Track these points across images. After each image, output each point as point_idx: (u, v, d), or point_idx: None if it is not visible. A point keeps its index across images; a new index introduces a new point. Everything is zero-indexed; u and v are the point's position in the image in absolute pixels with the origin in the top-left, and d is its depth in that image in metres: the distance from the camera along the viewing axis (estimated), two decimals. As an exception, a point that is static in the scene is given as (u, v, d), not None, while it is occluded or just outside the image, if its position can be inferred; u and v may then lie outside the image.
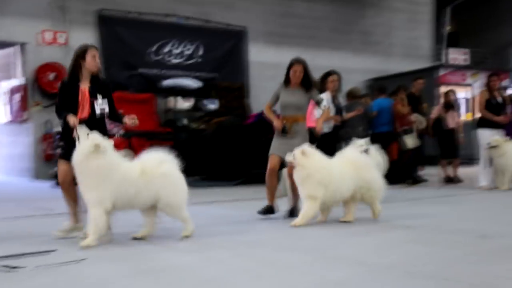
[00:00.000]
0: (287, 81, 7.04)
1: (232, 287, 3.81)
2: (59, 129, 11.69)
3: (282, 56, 16.91)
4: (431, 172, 12.92)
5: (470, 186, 10.91)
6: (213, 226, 6.38)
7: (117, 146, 10.70)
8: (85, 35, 13.61)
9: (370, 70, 18.49)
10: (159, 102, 14.54)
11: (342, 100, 9.86)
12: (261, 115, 14.08)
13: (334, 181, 6.29)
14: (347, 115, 9.25)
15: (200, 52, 15.49)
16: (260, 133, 12.76)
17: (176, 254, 4.92)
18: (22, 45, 12.95)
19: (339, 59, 17.46)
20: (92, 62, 5.66)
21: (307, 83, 7.03)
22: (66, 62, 12.88)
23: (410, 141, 11.19)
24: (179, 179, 5.55)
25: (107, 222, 5.23)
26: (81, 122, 5.44)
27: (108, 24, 14.09)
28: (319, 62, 16.43)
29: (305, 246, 5.21)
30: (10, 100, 13.14)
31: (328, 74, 8.79)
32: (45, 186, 11.39)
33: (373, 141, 9.41)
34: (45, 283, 3.93)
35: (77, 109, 5.56)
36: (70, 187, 5.69)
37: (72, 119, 5.42)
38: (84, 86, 5.65)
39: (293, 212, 6.91)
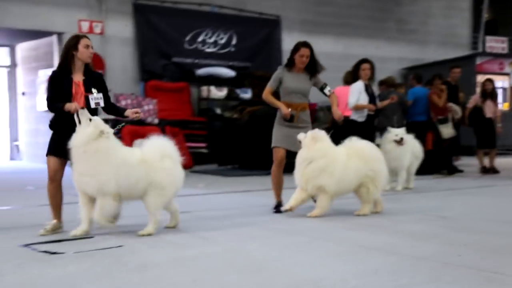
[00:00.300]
0: (290, 65, 6.63)
1: (271, 273, 3.84)
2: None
3: (316, 45, 16.81)
4: (467, 163, 12.73)
5: (509, 177, 10.71)
6: (248, 215, 6.41)
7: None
8: (121, 25, 13.77)
9: (405, 59, 18.25)
10: (193, 91, 14.63)
11: (376, 89, 9.76)
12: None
13: (338, 169, 6.10)
14: (381, 104, 9.16)
15: (234, 41, 15.51)
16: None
17: (208, 242, 4.97)
18: (59, 35, 13.17)
19: (374, 47, 17.28)
20: (86, 52, 5.37)
21: (313, 68, 6.67)
22: (102, 52, 13.13)
23: (446, 131, 11.05)
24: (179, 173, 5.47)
25: (113, 208, 5.08)
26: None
27: (143, 14, 14.20)
28: (353, 51, 16.35)
29: (340, 236, 5.21)
30: (48, 89, 13.43)
31: (360, 62, 8.67)
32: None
33: (409, 130, 9.34)
34: (85, 268, 4.03)
35: (70, 102, 5.25)
36: (59, 186, 5.47)
37: (73, 104, 5.15)
38: (78, 79, 5.38)
39: (278, 207, 6.52)
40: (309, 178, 6.10)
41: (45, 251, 4.53)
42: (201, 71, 14.64)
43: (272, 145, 6.61)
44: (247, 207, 6.92)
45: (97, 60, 12.90)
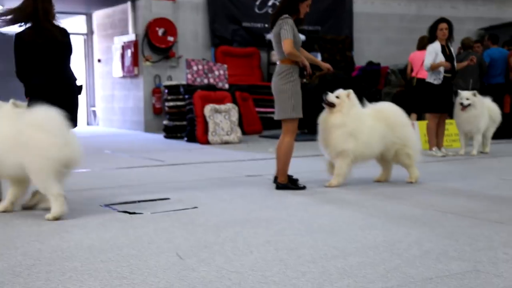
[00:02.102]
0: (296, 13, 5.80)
1: (345, 235, 3.87)
2: (168, 83, 12.18)
3: (388, 7, 16.44)
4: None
5: None
6: (317, 180, 6.42)
7: (222, 99, 11.03)
8: (191, -10, 13.84)
9: (483, 19, 17.46)
10: (263, 56, 14.60)
11: (454, 50, 9.41)
12: (365, 68, 13.85)
13: (365, 133, 5.81)
14: (458, 66, 8.83)
15: (304, 4, 15.29)
16: (364, 86, 12.56)
17: (281, 205, 5.04)
18: (134, 1, 13.41)
19: (450, 7, 16.60)
20: None
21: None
22: (175, 18, 13.29)
23: (525, 93, 10.59)
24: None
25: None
26: None
27: (214, -22, 14.20)
28: (428, 12, 15.80)
29: (413, 200, 5.16)
30: (123, 55, 13.74)
31: (437, 22, 8.32)
32: (156, 138, 11.93)
33: (485, 93, 9.00)
34: (163, 228, 4.19)
35: None
36: None
37: None
38: None
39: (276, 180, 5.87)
40: (334, 144, 5.80)
41: (125, 211, 4.73)
42: (270, 36, 14.56)
43: (296, 115, 5.71)
44: (316, 172, 6.93)
45: (170, 26, 13.08)
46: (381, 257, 3.41)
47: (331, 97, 5.89)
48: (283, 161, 5.73)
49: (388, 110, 6.11)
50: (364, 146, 5.83)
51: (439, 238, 3.81)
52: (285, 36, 5.63)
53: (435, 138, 8.44)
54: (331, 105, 5.87)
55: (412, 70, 10.41)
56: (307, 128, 12.67)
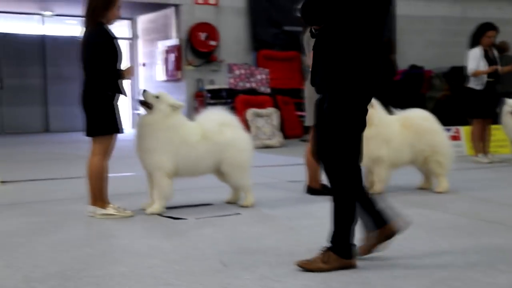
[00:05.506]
0: None
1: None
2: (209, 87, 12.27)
3: (432, 9, 16.20)
4: None
5: None
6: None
7: (264, 104, 11.07)
8: (233, -6, 13.94)
9: (530, 21, 17.05)
10: (304, 60, 14.59)
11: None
12: (408, 72, 13.68)
13: (395, 139, 5.75)
14: (502, 70, 8.60)
15: (346, 7, 15.21)
16: (407, 90, 12.42)
17: (321, 212, 5.04)
18: (177, 6, 13.60)
19: (495, 8, 16.26)
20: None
21: None
22: (217, 22, 13.41)
23: None
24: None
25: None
26: None
27: (255, -17, 14.27)
28: (472, 14, 15.51)
29: (458, 209, 5.09)
30: (166, 59, 13.95)
31: (486, 28, 8.13)
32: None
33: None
34: (207, 234, 4.25)
35: None
36: None
37: None
38: None
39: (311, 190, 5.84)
40: (368, 153, 5.75)
41: (169, 217, 4.81)
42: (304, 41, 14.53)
43: (311, 123, 5.34)
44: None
45: (212, 30, 13.21)
46: (426, 269, 3.38)
47: None
48: (312, 167, 5.72)
49: (416, 116, 6.02)
50: (396, 153, 5.81)
51: (486, 250, 3.75)
52: None
53: (480, 144, 8.29)
54: None
55: None
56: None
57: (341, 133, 3.37)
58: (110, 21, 4.79)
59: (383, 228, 3.50)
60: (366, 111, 3.47)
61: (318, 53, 3.43)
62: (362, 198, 3.48)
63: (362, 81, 3.35)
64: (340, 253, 3.36)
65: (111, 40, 4.75)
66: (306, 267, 3.35)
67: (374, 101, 5.81)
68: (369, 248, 3.54)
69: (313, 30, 3.46)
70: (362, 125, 3.48)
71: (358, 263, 3.42)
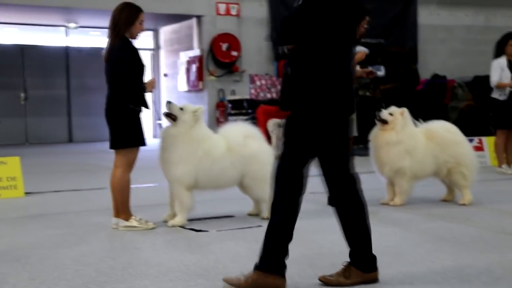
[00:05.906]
0: None
1: (410, 259, 3.82)
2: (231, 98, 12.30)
3: (455, 18, 16.08)
4: None
5: None
6: (371, 199, 6.34)
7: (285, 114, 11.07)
8: (255, 6, 14.00)
9: (555, 29, 16.84)
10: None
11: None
12: (430, 81, 13.58)
13: (419, 150, 5.72)
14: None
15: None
16: (430, 100, 12.33)
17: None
18: (199, 18, 13.71)
19: (519, 18, 16.11)
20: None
21: None
22: (238, 33, 13.48)
23: None
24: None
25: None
26: None
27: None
28: (496, 23, 15.36)
29: (481, 222, 5.03)
30: (188, 70, 14.07)
31: (509, 36, 8.08)
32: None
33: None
34: (228, 247, 4.26)
35: None
36: None
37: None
38: None
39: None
40: (389, 162, 5.73)
41: (191, 229, 4.83)
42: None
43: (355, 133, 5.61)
44: (370, 190, 6.85)
45: (233, 41, 13.28)
46: (450, 284, 3.35)
47: (384, 114, 5.83)
48: None
49: (439, 128, 5.97)
50: (419, 165, 5.76)
51: (511, 265, 3.70)
52: None
53: (504, 154, 8.20)
54: (384, 122, 5.81)
55: None
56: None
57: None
58: (134, 36, 4.85)
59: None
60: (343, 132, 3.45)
61: (293, 74, 3.34)
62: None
63: (335, 103, 3.31)
64: (361, 267, 3.35)
65: (135, 54, 4.80)
66: (327, 282, 3.34)
67: (398, 109, 5.81)
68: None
69: (286, 50, 3.46)
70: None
71: (393, 277, 3.40)
